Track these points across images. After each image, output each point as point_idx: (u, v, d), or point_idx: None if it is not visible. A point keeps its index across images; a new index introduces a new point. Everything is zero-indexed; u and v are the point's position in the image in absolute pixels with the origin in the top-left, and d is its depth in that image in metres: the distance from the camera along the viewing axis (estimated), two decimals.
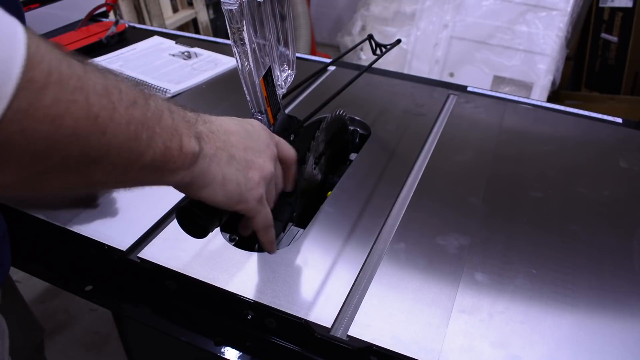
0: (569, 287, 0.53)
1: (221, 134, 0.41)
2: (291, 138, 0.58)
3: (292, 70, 0.56)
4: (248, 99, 0.52)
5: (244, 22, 0.46)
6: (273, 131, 0.54)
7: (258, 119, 0.53)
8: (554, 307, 0.51)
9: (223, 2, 0.45)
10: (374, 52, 0.79)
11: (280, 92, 0.55)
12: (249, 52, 0.48)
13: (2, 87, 0.24)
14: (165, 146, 0.34)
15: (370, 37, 0.79)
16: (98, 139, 0.29)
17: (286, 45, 0.54)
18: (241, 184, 0.42)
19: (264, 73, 0.51)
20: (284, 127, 0.56)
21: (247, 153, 0.43)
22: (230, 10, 0.45)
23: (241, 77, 0.50)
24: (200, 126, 0.40)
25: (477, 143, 0.79)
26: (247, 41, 0.47)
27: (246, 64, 0.49)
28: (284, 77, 0.55)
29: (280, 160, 0.49)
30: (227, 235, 0.61)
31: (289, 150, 0.50)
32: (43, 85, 0.26)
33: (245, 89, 0.51)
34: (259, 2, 0.47)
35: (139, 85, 0.36)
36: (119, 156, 0.31)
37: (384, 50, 0.79)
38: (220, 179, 0.40)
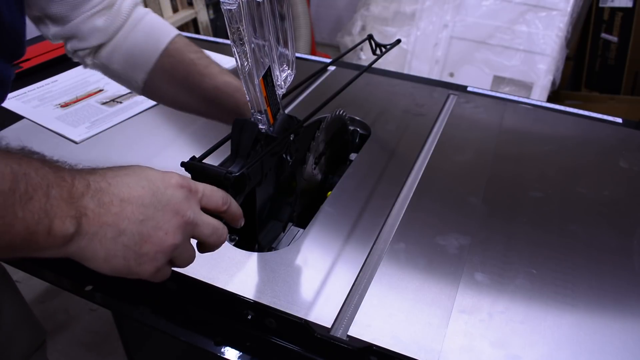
0: (569, 287, 0.53)
1: (114, 205, 0.39)
2: (291, 138, 0.58)
3: (292, 70, 0.56)
4: (248, 98, 0.52)
5: (244, 22, 0.46)
6: (272, 131, 0.54)
7: (258, 119, 0.53)
8: (554, 307, 0.51)
9: (222, 2, 0.45)
10: (374, 52, 0.79)
11: (280, 92, 0.55)
12: (249, 52, 0.48)
13: None
14: (28, 231, 0.35)
15: (370, 37, 0.79)
16: None
17: (286, 45, 0.54)
18: (130, 259, 0.40)
19: (263, 73, 0.51)
20: (284, 127, 0.56)
21: (143, 226, 0.40)
22: (230, 10, 0.45)
23: (241, 77, 0.50)
24: (88, 200, 0.38)
25: (477, 143, 0.79)
26: (246, 41, 0.47)
27: (246, 64, 0.49)
28: (283, 77, 0.55)
29: (212, 211, 0.45)
30: (227, 235, 0.61)
31: (217, 200, 0.46)
32: None
33: (245, 89, 0.51)
34: (258, 2, 0.47)
35: (29, 158, 0.36)
36: None
37: (384, 50, 0.79)
38: (102, 256, 0.39)
